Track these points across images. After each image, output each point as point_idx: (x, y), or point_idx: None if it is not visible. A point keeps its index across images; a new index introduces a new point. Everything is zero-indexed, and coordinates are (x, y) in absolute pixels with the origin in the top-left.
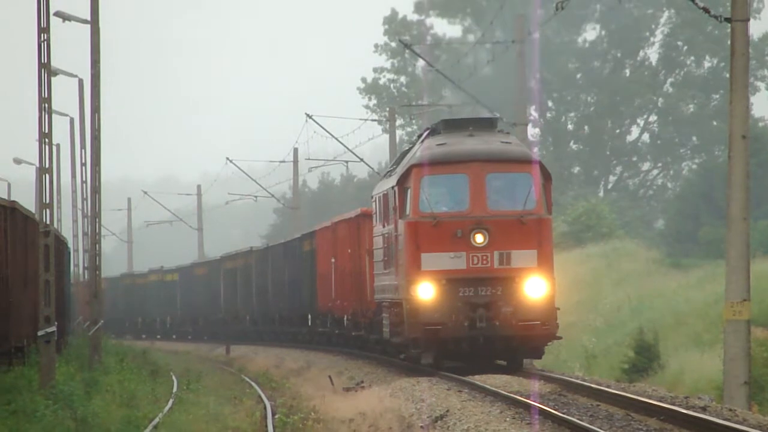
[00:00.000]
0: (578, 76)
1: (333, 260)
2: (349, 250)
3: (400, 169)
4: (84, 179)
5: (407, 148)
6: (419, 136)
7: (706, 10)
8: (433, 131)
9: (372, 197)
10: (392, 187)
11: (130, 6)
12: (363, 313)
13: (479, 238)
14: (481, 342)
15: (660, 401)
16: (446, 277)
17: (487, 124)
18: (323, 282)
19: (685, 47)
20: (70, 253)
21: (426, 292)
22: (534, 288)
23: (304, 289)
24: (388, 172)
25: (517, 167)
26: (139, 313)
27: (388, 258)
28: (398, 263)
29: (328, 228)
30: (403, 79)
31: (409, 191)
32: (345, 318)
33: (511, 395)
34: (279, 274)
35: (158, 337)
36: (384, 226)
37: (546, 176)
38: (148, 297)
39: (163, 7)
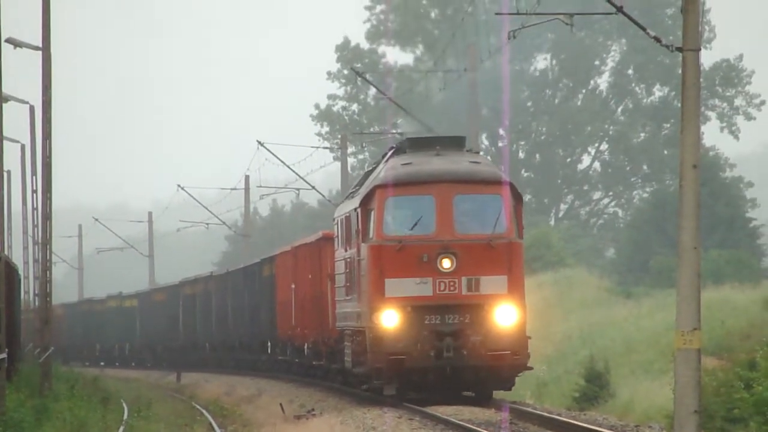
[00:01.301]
0: (529, 104)
1: (293, 286)
2: (310, 276)
3: (364, 190)
4: (35, 206)
5: (371, 168)
6: (384, 156)
7: (657, 40)
8: (398, 150)
9: (334, 219)
10: (355, 209)
11: (83, 33)
12: (324, 341)
13: (446, 263)
14: (448, 372)
15: (611, 429)
16: (411, 304)
17: (454, 143)
18: (283, 308)
19: (636, 75)
20: (20, 280)
21: (390, 319)
22: (504, 316)
23: (263, 316)
24: (351, 192)
25: (487, 188)
26: (96, 339)
27: (351, 284)
28: (361, 289)
29: (289, 252)
30: (355, 106)
31: (372, 213)
32: (306, 346)
33: (462, 423)
34: (239, 300)
35: (117, 364)
36: (346, 250)
37: (517, 198)
38: (106, 323)
39: (115, 33)
